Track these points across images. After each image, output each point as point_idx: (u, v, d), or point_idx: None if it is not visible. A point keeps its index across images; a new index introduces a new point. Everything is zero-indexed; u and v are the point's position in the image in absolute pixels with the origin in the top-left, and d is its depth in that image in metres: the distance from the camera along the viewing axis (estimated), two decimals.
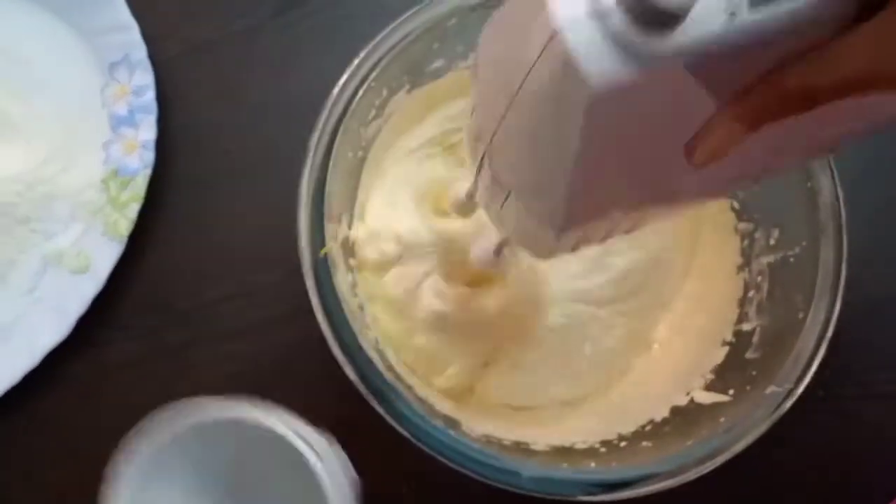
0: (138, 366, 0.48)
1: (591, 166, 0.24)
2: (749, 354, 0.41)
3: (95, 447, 0.46)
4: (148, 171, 0.48)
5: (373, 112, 0.42)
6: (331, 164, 0.38)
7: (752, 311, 0.43)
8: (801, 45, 0.22)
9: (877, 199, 0.48)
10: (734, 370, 0.41)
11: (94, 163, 0.49)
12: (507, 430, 0.42)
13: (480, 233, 0.42)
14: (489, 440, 0.41)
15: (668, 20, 0.20)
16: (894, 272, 0.48)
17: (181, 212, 0.50)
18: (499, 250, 0.39)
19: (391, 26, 0.39)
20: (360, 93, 0.39)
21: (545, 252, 0.32)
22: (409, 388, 0.40)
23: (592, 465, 0.39)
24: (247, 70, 0.52)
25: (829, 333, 0.37)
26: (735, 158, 0.24)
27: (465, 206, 0.40)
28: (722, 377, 0.42)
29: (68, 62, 0.51)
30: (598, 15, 0.20)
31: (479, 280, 0.44)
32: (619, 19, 0.20)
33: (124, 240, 0.47)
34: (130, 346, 0.48)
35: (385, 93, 0.42)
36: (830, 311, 0.38)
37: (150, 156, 0.48)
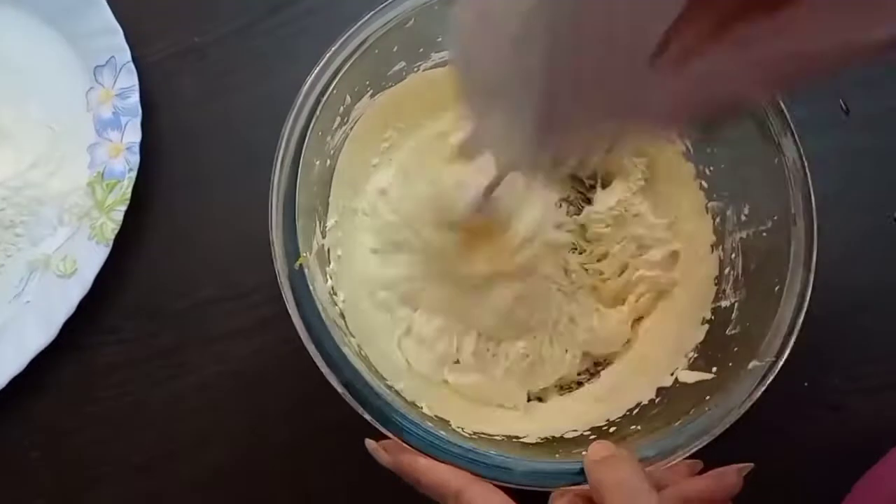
0: (127, 369, 0.48)
1: (560, 67, 0.24)
2: (729, 331, 0.41)
3: (84, 451, 0.47)
4: (133, 174, 0.48)
5: (337, 120, 0.42)
6: (299, 175, 0.38)
7: (728, 287, 0.43)
8: None
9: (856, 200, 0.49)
10: (716, 347, 0.42)
11: (79, 166, 0.50)
12: (498, 425, 0.42)
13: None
14: (480, 437, 0.41)
15: None
16: (877, 268, 0.49)
17: (167, 214, 0.50)
18: (489, 191, 0.40)
19: (348, 33, 0.39)
20: (323, 102, 0.38)
21: (530, 164, 0.33)
22: (398, 393, 0.40)
23: (583, 453, 0.39)
24: (233, 73, 0.52)
25: (806, 303, 0.38)
26: (701, 74, 0.22)
27: (466, 149, 0.41)
28: (704, 355, 0.42)
29: (54, 67, 0.52)
30: None
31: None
32: None
33: (110, 243, 0.47)
34: (118, 349, 0.48)
35: (348, 99, 0.42)
36: (806, 282, 0.38)
37: (135, 159, 0.48)
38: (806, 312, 0.37)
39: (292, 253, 0.37)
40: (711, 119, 0.28)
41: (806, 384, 0.46)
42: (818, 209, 0.38)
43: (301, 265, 0.37)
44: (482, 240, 0.44)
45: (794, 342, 0.37)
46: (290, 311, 0.36)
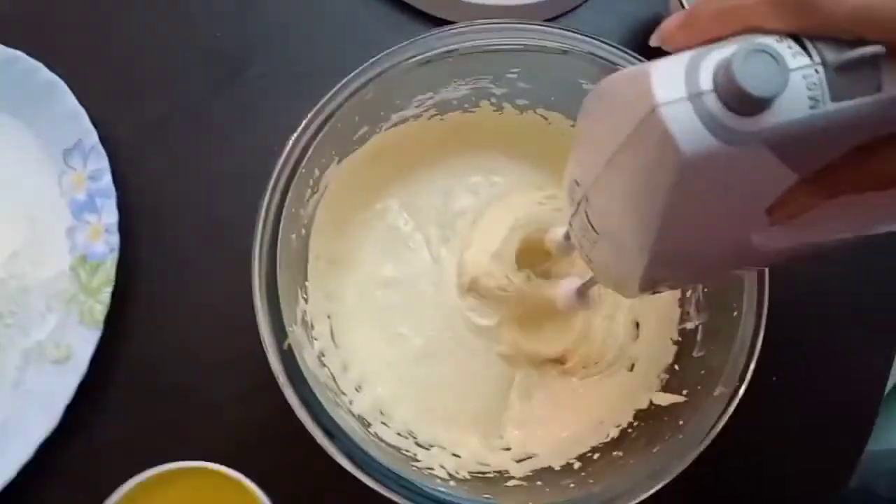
0: (129, 445, 0.48)
1: (674, 228, 0.27)
2: (696, 353, 0.44)
3: None
4: (115, 254, 0.49)
5: (308, 192, 0.43)
6: (278, 258, 0.39)
7: (692, 310, 0.45)
8: (882, 130, 0.24)
9: None
10: (685, 369, 0.44)
11: (60, 252, 0.50)
12: (486, 460, 0.45)
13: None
14: (474, 476, 0.43)
15: (756, 106, 0.22)
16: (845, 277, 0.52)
17: (154, 289, 0.51)
18: (583, 291, 0.43)
19: (308, 115, 0.40)
20: (293, 184, 0.40)
21: (629, 294, 0.35)
22: (397, 449, 0.43)
23: (571, 484, 0.42)
24: (198, 143, 0.52)
25: (763, 326, 0.40)
26: (804, 227, 0.27)
27: (563, 248, 0.43)
28: (675, 377, 0.44)
29: (23, 156, 0.52)
30: (694, 97, 0.23)
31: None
32: (712, 102, 0.23)
33: (101, 325, 0.48)
34: (120, 427, 0.49)
35: (317, 172, 0.43)
36: (761, 303, 0.40)
37: (115, 239, 0.49)
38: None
39: (280, 332, 0.39)
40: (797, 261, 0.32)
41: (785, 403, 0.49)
42: None
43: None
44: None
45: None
46: (283, 391, 0.38)
